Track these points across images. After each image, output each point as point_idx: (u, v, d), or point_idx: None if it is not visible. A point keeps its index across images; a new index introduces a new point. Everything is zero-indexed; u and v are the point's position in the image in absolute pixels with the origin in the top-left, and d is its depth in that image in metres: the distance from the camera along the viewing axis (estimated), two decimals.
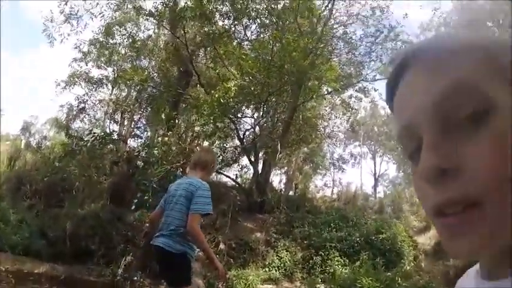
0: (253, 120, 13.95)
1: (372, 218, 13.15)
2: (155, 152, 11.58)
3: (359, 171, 50.55)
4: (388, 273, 9.02)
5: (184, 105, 14.28)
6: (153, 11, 12.22)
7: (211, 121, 11.27)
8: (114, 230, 10.38)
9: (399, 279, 8.76)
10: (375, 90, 14.81)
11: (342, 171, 22.48)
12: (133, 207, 11.65)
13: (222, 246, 10.56)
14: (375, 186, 31.74)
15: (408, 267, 10.54)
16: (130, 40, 14.26)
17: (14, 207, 10.90)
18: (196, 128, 13.95)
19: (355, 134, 23.57)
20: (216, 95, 9.37)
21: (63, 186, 12.32)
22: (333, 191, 22.88)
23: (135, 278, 9.63)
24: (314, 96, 12.67)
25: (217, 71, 12.72)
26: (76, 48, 16.07)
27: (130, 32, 14.51)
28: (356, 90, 14.96)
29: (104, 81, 16.71)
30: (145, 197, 10.61)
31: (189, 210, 2.97)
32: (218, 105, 9.80)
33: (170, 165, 10.95)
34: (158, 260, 3.35)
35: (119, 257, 9.89)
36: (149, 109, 15.81)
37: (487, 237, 0.36)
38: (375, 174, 32.59)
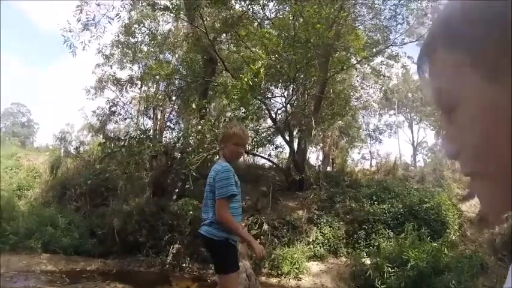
0: (283, 99, 13.77)
1: (414, 188, 12.74)
2: (190, 141, 11.81)
3: (396, 141, 49.27)
4: (434, 244, 8.83)
5: (212, 93, 14.37)
6: (168, 5, 12.23)
7: (242, 105, 11.26)
8: (159, 221, 10.91)
9: (445, 249, 8.57)
10: (405, 54, 14.21)
11: (379, 142, 21.90)
12: (174, 197, 12.08)
13: (265, 226, 10.73)
14: (414, 155, 30.74)
15: (453, 237, 10.23)
16: (150, 37, 14.42)
17: (62, 212, 11.70)
18: (228, 114, 14.05)
19: (389, 102, 22.81)
20: (245, 79, 9.30)
21: (105, 186, 12.97)
22: (371, 163, 22.42)
23: (184, 264, 10.09)
24: (343, 68, 12.29)
25: (241, 54, 12.63)
26: (99, 53, 16.48)
27: (150, 29, 14.68)
28: (385, 57, 14.42)
29: (133, 80, 17.18)
30: (186, 186, 10.92)
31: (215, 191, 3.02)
32: (248, 89, 9.76)
33: (206, 152, 11.14)
34: (204, 247, 3.55)
35: (166, 247, 10.42)
36: (179, 101, 16.07)
37: (488, 206, 0.45)
38: (413, 143, 31.51)
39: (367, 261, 9.08)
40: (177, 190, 12.21)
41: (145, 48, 15.97)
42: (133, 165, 13.02)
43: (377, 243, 9.88)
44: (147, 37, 14.81)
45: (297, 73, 11.96)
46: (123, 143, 11.84)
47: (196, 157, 10.83)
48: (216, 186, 2.99)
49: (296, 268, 9.15)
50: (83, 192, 12.98)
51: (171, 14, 13.22)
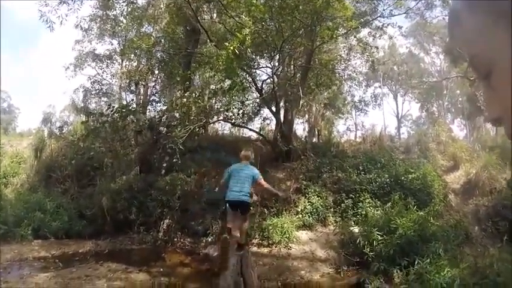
0: (269, 70, 13.52)
1: (400, 159, 12.89)
2: (176, 114, 11.52)
3: (381, 113, 50.19)
4: (421, 213, 8.91)
5: (196, 65, 13.99)
6: None
7: (228, 75, 10.96)
8: (148, 197, 10.79)
9: (431, 218, 8.70)
10: (393, 26, 14.00)
11: (365, 113, 22.03)
12: (163, 172, 11.88)
13: (254, 197, 10.62)
14: (398, 127, 31.30)
15: (439, 207, 10.36)
16: (130, 8, 13.78)
17: (49, 196, 11.38)
18: (212, 86, 13.76)
19: (375, 74, 22.74)
20: (231, 47, 8.97)
21: (91, 165, 12.68)
22: (356, 134, 22.68)
23: (175, 239, 10.06)
24: (332, 36, 12.02)
25: (225, 23, 12.19)
26: (77, 27, 15.83)
27: (129, 0, 13.98)
28: (373, 28, 14.21)
29: (113, 55, 16.52)
30: (174, 160, 10.77)
31: (256, 179, 5.80)
32: (234, 58, 9.44)
33: (192, 125, 10.90)
34: (235, 206, 5.71)
35: (157, 223, 10.37)
36: (162, 74, 15.64)
37: None
38: (397, 115, 31.91)
39: (355, 229, 9.20)
40: (164, 165, 12.02)
41: (124, 21, 15.25)
42: (118, 141, 12.74)
43: (364, 212, 10.01)
44: (126, 9, 14.10)
45: (284, 43, 11.65)
46: (106, 118, 11.47)
47: (183, 130, 10.61)
48: (257, 175, 5.94)
49: (286, 237, 9.22)
50: (69, 173, 12.68)
51: None
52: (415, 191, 10.59)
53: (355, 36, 14.27)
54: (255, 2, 9.84)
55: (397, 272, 7.33)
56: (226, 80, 12.00)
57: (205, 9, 13.61)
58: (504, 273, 5.29)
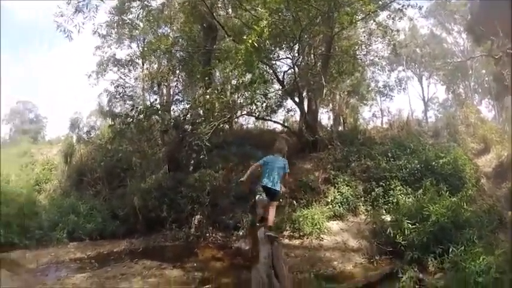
0: (289, 60, 13.35)
1: (429, 144, 12.56)
2: (199, 112, 11.63)
3: (407, 97, 48.63)
4: (453, 199, 8.65)
5: (216, 61, 14.05)
6: None
7: (248, 69, 10.92)
8: (178, 195, 10.99)
9: (464, 204, 8.42)
10: (412, 7, 13.56)
11: (390, 98, 21.42)
12: (191, 168, 12.06)
13: (282, 189, 10.67)
14: (425, 111, 30.32)
15: (471, 192, 10.01)
16: (145, 11, 13.94)
17: (82, 199, 11.83)
18: (234, 81, 13.78)
19: (397, 58, 22.13)
20: (250, 41, 8.93)
21: (121, 167, 13.09)
22: (382, 120, 22.20)
23: (207, 234, 10.23)
24: (352, 21, 11.74)
25: (241, 17, 12.10)
26: (95, 33, 16.05)
27: (143, 2, 14.12)
28: (391, 11, 13.84)
29: (133, 58, 16.81)
30: (201, 157, 10.89)
31: (286, 172, 6.11)
32: (253, 51, 9.40)
33: (217, 121, 10.98)
34: (269, 193, 6.03)
35: (188, 219, 10.58)
36: (183, 73, 15.78)
37: None
38: (423, 98, 30.92)
39: (387, 218, 9.08)
40: (192, 162, 12.18)
41: (141, 24, 15.46)
42: (145, 141, 13.04)
43: (395, 200, 9.84)
44: (141, 12, 14.27)
45: (302, 32, 11.47)
46: (131, 120, 11.71)
47: (208, 127, 10.70)
48: (286, 167, 6.14)
49: (317, 228, 9.18)
50: (99, 176, 13.11)
51: None
52: (446, 176, 10.30)
53: (374, 20, 13.94)
54: None
55: (431, 260, 7.25)
56: (247, 74, 11.96)
57: (219, 5, 13.59)
58: None
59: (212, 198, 10.90)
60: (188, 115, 12.30)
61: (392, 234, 8.18)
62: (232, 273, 8.03)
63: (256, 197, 10.55)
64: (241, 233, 9.99)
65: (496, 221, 8.47)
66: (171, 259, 8.83)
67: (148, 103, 15.43)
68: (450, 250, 6.90)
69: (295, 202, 10.30)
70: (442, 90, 34.19)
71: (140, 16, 14.70)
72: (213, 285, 7.35)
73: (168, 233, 10.46)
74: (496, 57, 18.84)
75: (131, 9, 14.98)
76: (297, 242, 9.12)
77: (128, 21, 15.61)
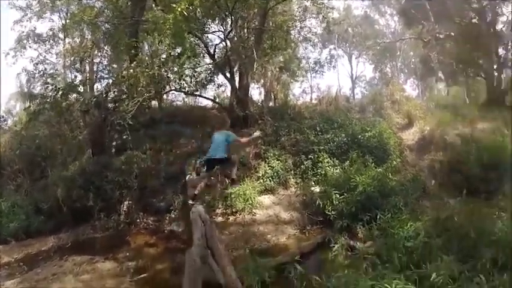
0: (221, 34, 12.88)
1: (356, 118, 13.11)
2: (123, 88, 10.71)
3: (335, 75, 51.12)
4: (379, 169, 9.13)
5: (143, 33, 13.11)
6: None
7: (177, 40, 10.24)
8: (104, 180, 9.98)
9: (389, 174, 8.91)
10: None
11: (321, 75, 21.96)
12: (113, 151, 11.21)
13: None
14: (353, 88, 31.92)
15: (396, 163, 10.63)
16: None
17: (2, 196, 10.37)
18: (163, 55, 12.98)
19: (330, 36, 22.64)
20: (179, 8, 8.30)
21: (41, 154, 11.58)
22: (312, 96, 22.79)
23: (138, 220, 9.57)
24: None
25: None
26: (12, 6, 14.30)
27: None
28: None
29: (55, 32, 15.18)
30: (124, 137, 10.13)
31: (230, 140, 6.89)
32: (183, 21, 8.77)
33: (141, 97, 10.20)
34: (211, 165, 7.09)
35: (116, 206, 9.70)
36: (109, 48, 14.58)
37: None
38: (352, 76, 32.46)
39: (316, 189, 9.26)
40: (114, 144, 11.32)
41: None
42: (65, 124, 11.77)
43: (324, 172, 10.10)
44: None
45: (235, 4, 11.03)
46: (47, 100, 10.46)
47: (131, 104, 9.92)
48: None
49: (249, 204, 9.08)
50: (19, 168, 11.55)
51: None
52: (372, 149, 10.79)
53: None
54: None
55: (360, 227, 7.51)
56: (177, 47, 11.27)
57: None
58: (465, 225, 5.42)
59: (141, 181, 10.16)
60: (111, 92, 11.29)
61: (322, 205, 8.39)
62: (168, 258, 7.63)
63: (187, 177, 10.20)
64: (173, 216, 9.51)
65: (420, 189, 8.99)
66: (103, 251, 8.15)
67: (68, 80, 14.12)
68: (378, 217, 7.21)
69: (226, 179, 10.08)
70: (370, 69, 36.26)
71: None
72: (148, 273, 6.98)
73: (97, 223, 9.49)
74: (425, 40, 20.04)
75: None
76: (230, 219, 8.95)
77: None
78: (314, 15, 14.92)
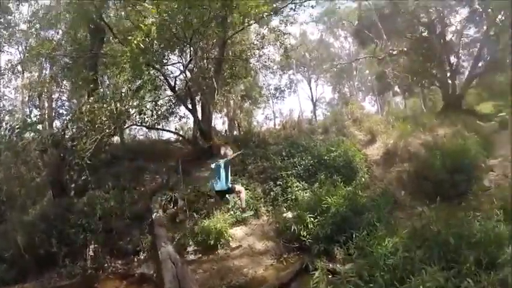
0: (181, 65, 12.74)
1: (320, 140, 13.25)
2: (80, 124, 10.23)
3: (297, 99, 52.41)
4: (349, 188, 9.14)
5: (103, 66, 12.79)
6: None
7: (135, 73, 10.00)
8: (67, 224, 9.32)
9: (359, 191, 8.96)
10: (303, 10, 14.21)
11: (282, 100, 22.29)
12: (72, 193, 10.61)
13: (180, 203, 10.04)
14: (314, 111, 32.63)
15: (364, 179, 10.82)
16: (30, 12, 12.25)
17: None
18: (123, 89, 12.66)
19: (288, 62, 23.22)
20: (135, 41, 8.11)
21: None
22: (275, 122, 23.05)
23: (106, 264, 8.89)
24: (244, 22, 11.70)
25: (132, 16, 11.16)
26: None
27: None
28: (284, 16, 14.35)
29: (13, 65, 14.52)
30: (83, 178, 9.54)
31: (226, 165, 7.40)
32: (140, 53, 8.56)
33: (100, 134, 9.76)
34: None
35: (82, 250, 9.01)
36: (69, 83, 14.10)
37: None
38: (312, 98, 33.30)
39: (289, 215, 9.08)
40: (73, 185, 10.69)
41: (24, 27, 13.44)
42: (22, 164, 10.95)
43: (294, 197, 10.01)
44: (25, 12, 12.42)
45: (194, 34, 10.99)
46: (3, 139, 9.79)
47: (89, 141, 9.43)
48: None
49: (222, 238, 8.67)
50: None
51: None
52: (339, 168, 10.86)
53: (267, 25, 14.29)
54: None
55: (337, 249, 7.37)
56: (137, 80, 11.03)
57: (110, 4, 12.48)
58: (442, 232, 5.38)
59: (105, 222, 9.52)
60: (68, 129, 10.75)
61: (296, 231, 8.16)
62: None
63: (153, 216, 9.73)
64: (142, 257, 8.93)
65: (391, 202, 9.02)
66: None
67: (26, 117, 13.36)
68: (354, 236, 7.02)
69: (195, 214, 9.71)
70: (329, 90, 37.48)
71: (25, 16, 12.83)
72: None
73: (62, 270, 8.67)
74: (379, 58, 20.99)
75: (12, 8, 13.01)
76: (203, 256, 8.48)
77: (10, 22, 13.50)
78: (272, 43, 15.24)
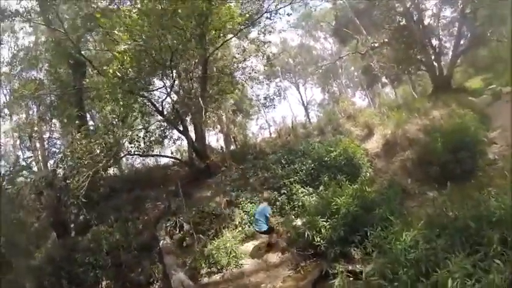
0: (166, 88, 12.55)
1: (317, 142, 12.99)
2: (70, 162, 10.00)
3: (288, 105, 52.78)
4: (355, 186, 8.83)
5: (88, 100, 12.63)
6: (19, 9, 10.62)
7: (115, 101, 9.81)
8: (74, 263, 9.03)
9: (366, 187, 8.62)
10: (280, 18, 14.22)
11: (273, 107, 22.14)
12: (73, 233, 10.38)
13: (186, 226, 9.76)
14: (307, 114, 32.69)
15: (368, 174, 10.61)
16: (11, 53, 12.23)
17: None
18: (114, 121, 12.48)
19: (273, 71, 23.26)
20: (111, 70, 7.95)
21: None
22: (270, 131, 22.96)
23: None
24: (220, 35, 11.64)
25: (107, 46, 11.08)
26: None
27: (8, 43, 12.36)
28: (262, 27, 14.38)
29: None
30: (81, 216, 9.25)
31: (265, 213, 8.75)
32: (117, 82, 8.38)
33: (92, 169, 9.50)
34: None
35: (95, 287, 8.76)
36: (58, 121, 13.94)
37: None
38: (303, 102, 33.39)
39: (298, 222, 8.78)
40: (72, 225, 10.43)
41: (6, 69, 13.39)
42: (20, 210, 10.59)
43: (301, 203, 9.79)
44: (5, 54, 12.38)
45: (173, 56, 10.83)
46: None
47: (81, 178, 9.17)
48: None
49: (233, 256, 8.40)
50: None
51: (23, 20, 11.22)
52: (341, 167, 10.63)
53: (246, 37, 14.24)
54: (130, 17, 8.85)
55: (354, 250, 7.10)
56: (124, 109, 10.84)
57: (89, 39, 12.40)
58: (460, 216, 5.14)
59: (113, 257, 9.23)
60: (60, 169, 10.51)
61: (309, 237, 7.78)
62: None
63: (160, 244, 9.43)
64: (157, 287, 8.62)
65: (400, 192, 8.80)
66: None
67: (21, 161, 13.06)
68: (369, 234, 6.69)
69: (202, 236, 9.39)
70: (318, 92, 37.65)
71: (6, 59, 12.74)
72: None
73: None
74: (362, 52, 21.09)
75: None
76: (217, 277, 8.16)
77: None
78: (253, 54, 15.17)
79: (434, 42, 19.07)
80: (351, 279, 6.07)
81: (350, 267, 6.54)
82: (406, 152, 11.26)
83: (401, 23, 19.12)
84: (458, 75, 19.77)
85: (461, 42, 18.55)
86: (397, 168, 10.97)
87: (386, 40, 19.70)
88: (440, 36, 19.58)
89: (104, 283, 8.85)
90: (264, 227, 8.52)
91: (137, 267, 9.14)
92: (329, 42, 32.90)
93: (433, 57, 18.42)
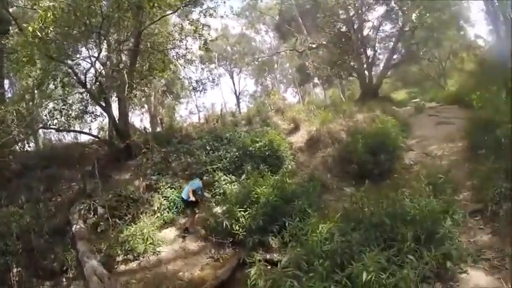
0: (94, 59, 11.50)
1: (244, 131, 13.25)
2: None
3: (220, 92, 52.56)
4: (276, 177, 9.11)
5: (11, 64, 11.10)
6: None
7: (35, 64, 8.76)
8: None
9: (287, 179, 8.88)
10: (225, 2, 14.15)
11: (204, 92, 21.72)
12: None
13: (100, 210, 9.14)
14: (237, 103, 32.88)
15: (290, 167, 10.97)
16: None
17: None
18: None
19: (210, 56, 22.84)
20: (30, 28, 7.06)
21: None
22: (199, 116, 22.61)
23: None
24: (162, 11, 11.01)
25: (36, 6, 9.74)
26: None
27: None
28: (204, 8, 13.91)
29: None
30: None
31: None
32: (37, 43, 7.46)
33: (1, 140, 8.44)
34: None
35: (6, 276, 7.60)
36: None
37: None
38: (235, 91, 33.47)
39: (218, 210, 8.77)
40: None
41: None
42: None
43: (222, 190, 9.86)
44: None
45: (103, 24, 9.96)
46: None
47: None
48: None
49: (150, 243, 8.10)
50: None
51: None
52: (265, 158, 10.92)
53: (186, 16, 13.73)
54: None
55: (272, 239, 7.31)
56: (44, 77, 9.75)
57: None
58: (376, 212, 5.43)
59: (24, 242, 8.11)
60: None
61: (228, 226, 7.82)
62: None
63: (73, 228, 8.72)
64: (71, 275, 7.84)
65: (319, 186, 9.15)
66: None
67: None
68: (287, 224, 6.86)
69: (119, 221, 8.91)
70: (252, 83, 38.04)
71: None
72: None
73: None
74: (300, 51, 21.66)
75: None
76: (134, 265, 7.79)
77: None
78: (191, 35, 14.63)
79: (369, 52, 20.55)
80: (268, 267, 6.15)
81: (268, 256, 6.70)
82: (328, 149, 11.88)
83: (342, 30, 20.08)
84: (387, 86, 21.46)
85: (395, 56, 20.16)
86: (318, 163, 11.48)
87: (324, 42, 20.50)
88: (376, 48, 21.07)
89: (15, 270, 7.78)
90: (191, 198, 8.56)
91: (50, 253, 8.23)
92: (269, 36, 33.38)
93: (365, 66, 19.79)
